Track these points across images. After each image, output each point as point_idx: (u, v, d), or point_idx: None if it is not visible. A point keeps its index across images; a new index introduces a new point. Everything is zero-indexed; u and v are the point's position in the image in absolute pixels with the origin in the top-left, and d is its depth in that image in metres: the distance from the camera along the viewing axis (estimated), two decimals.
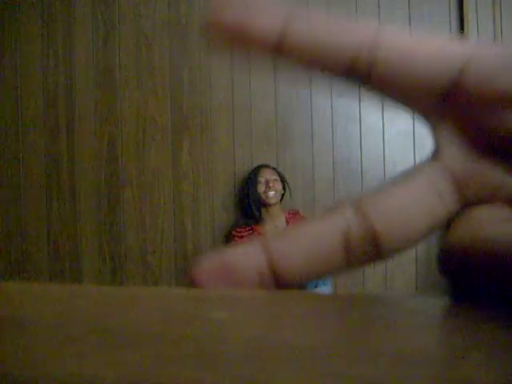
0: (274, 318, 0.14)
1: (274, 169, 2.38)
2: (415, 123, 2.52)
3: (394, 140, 2.52)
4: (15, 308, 0.16)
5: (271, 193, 2.27)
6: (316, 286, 2.16)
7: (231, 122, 2.55)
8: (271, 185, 2.28)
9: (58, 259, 2.58)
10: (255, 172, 2.34)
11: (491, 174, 0.18)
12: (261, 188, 2.28)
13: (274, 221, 2.32)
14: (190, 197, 2.54)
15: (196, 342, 0.12)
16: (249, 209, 2.33)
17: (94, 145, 2.58)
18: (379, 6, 2.52)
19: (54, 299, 0.17)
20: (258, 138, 2.54)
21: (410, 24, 2.52)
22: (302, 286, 0.17)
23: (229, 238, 2.40)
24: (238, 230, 2.32)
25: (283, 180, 2.37)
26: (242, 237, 2.29)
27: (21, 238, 2.60)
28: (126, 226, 2.56)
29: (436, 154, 0.19)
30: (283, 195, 2.37)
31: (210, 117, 2.55)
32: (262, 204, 2.30)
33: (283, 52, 0.19)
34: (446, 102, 0.18)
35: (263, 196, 2.27)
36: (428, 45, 0.18)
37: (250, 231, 2.29)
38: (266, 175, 2.31)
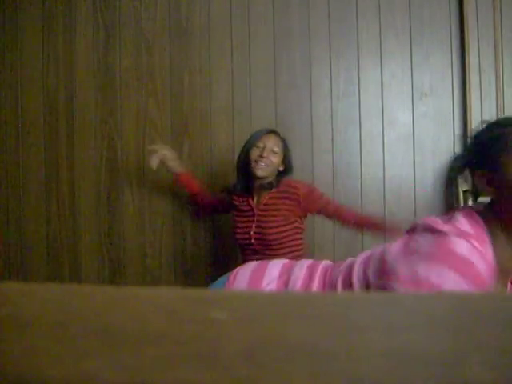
0: (274, 318, 0.14)
1: (282, 139, 2.05)
2: (415, 127, 2.52)
3: (393, 144, 2.52)
4: (15, 308, 0.16)
5: (262, 164, 1.95)
6: None
7: (231, 124, 2.55)
8: (265, 155, 1.95)
9: (57, 261, 2.58)
10: (259, 134, 2.02)
11: None
12: (254, 153, 1.97)
13: (259, 196, 2.02)
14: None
15: (196, 342, 0.12)
16: (237, 175, 2.05)
17: (94, 147, 2.58)
18: (379, 6, 2.53)
19: (54, 299, 0.17)
20: None
21: (409, 24, 2.53)
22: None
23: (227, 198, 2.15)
24: (235, 197, 2.08)
25: (286, 157, 2.04)
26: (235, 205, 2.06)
27: (20, 239, 2.59)
28: (126, 228, 2.56)
29: None
30: (280, 174, 2.02)
31: (209, 120, 2.55)
32: (250, 173, 1.98)
33: None
34: None
35: (252, 164, 1.96)
36: None
37: (244, 202, 2.04)
38: (268, 142, 1.98)
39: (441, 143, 2.51)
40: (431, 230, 0.83)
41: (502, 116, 2.45)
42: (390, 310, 0.13)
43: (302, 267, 1.13)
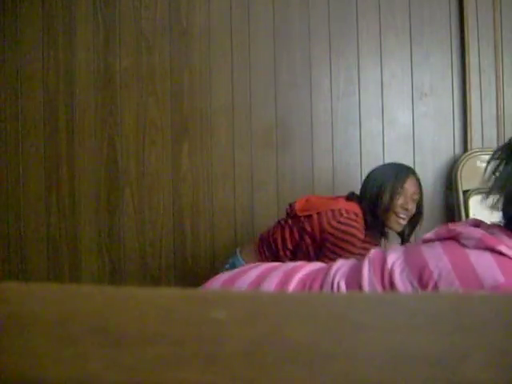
0: (274, 318, 0.14)
1: (419, 181, 1.72)
2: (415, 127, 2.52)
3: (393, 144, 2.52)
4: (15, 308, 0.16)
5: (403, 217, 1.60)
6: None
7: (231, 125, 2.55)
8: (410, 207, 1.60)
9: (57, 261, 2.58)
10: (402, 176, 1.66)
11: None
12: (398, 201, 1.60)
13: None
14: (189, 199, 2.55)
15: (196, 342, 0.12)
16: (368, 212, 1.65)
17: (94, 147, 2.58)
18: (379, 6, 2.53)
19: (54, 299, 0.17)
20: (257, 141, 2.54)
21: (410, 24, 2.53)
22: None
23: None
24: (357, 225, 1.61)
25: (421, 203, 1.69)
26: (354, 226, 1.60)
27: (20, 239, 2.59)
28: (126, 229, 2.56)
29: None
30: (412, 227, 1.70)
31: (209, 120, 2.55)
32: (380, 220, 1.63)
33: None
34: None
35: (392, 215, 1.60)
36: None
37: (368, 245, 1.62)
38: (410, 188, 1.63)
39: (441, 143, 2.51)
40: (490, 249, 0.76)
41: (502, 116, 2.45)
42: (390, 310, 0.13)
43: (277, 274, 0.96)
